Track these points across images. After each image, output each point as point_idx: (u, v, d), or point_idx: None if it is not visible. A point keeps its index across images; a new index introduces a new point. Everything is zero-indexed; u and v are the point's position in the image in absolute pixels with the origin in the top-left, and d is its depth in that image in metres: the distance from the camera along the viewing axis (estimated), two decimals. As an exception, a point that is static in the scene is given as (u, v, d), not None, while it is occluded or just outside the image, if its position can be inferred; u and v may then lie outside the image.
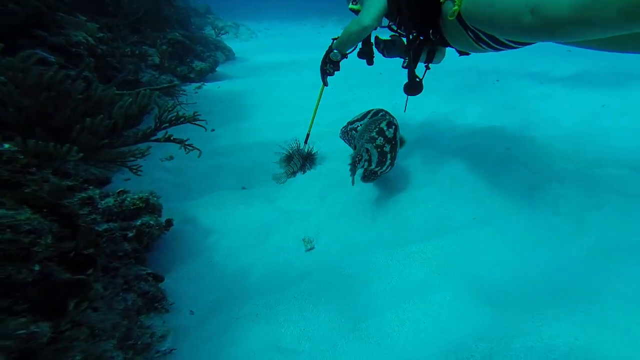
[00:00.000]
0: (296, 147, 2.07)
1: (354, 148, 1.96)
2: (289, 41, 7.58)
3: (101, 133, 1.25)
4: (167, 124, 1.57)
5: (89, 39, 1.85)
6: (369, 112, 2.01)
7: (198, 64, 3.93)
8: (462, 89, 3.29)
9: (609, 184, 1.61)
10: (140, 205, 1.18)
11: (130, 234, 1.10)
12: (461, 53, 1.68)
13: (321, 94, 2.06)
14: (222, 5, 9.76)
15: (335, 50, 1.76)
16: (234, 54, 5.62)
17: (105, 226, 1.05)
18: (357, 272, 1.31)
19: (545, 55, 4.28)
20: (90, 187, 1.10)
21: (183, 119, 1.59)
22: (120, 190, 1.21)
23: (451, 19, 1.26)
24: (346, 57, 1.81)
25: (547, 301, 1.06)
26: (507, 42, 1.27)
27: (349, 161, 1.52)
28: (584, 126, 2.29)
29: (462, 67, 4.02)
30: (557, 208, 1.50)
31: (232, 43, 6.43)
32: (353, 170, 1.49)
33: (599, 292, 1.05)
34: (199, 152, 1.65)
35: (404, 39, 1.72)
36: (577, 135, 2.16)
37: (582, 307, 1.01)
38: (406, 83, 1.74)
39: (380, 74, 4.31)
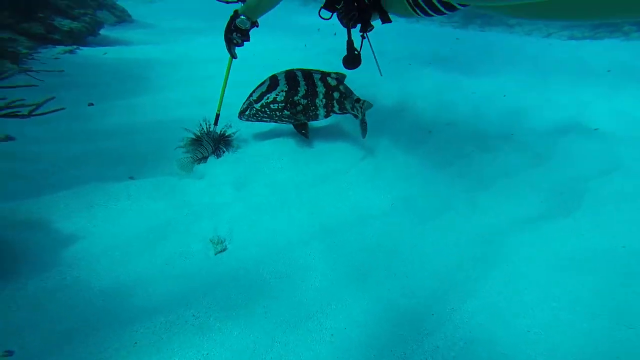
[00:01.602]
0: (205, 129, 1.70)
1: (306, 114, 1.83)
2: (207, 4, 6.66)
3: None
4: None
5: None
6: (274, 79, 1.80)
7: (66, 23, 2.99)
8: (385, 71, 3.39)
9: (496, 165, 1.83)
10: None
11: None
12: (384, 21, 1.60)
13: (229, 68, 1.80)
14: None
15: (242, 17, 1.51)
16: (130, 16, 4.60)
17: None
18: (278, 274, 1.14)
19: (443, 43, 4.79)
20: None
21: None
22: None
23: None
24: (256, 25, 1.58)
25: (447, 292, 1.10)
26: (440, 8, 1.26)
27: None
28: (475, 109, 2.59)
29: (384, 49, 4.18)
30: (457, 189, 1.61)
31: (130, 4, 5.24)
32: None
33: (485, 276, 1.14)
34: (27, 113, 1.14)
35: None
36: (474, 118, 2.43)
37: (474, 295, 1.07)
38: (345, 56, 1.58)
39: (335, 34, 4.27)
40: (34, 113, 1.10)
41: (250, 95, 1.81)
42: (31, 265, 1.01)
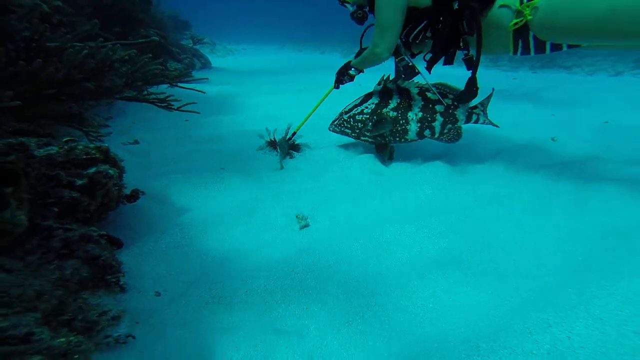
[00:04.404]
0: (282, 135, 1.92)
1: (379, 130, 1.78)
2: (268, 58, 7.75)
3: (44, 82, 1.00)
4: (141, 82, 1.34)
5: (42, 4, 1.60)
6: (370, 94, 1.84)
7: (173, 64, 3.76)
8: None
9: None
10: (96, 155, 0.93)
11: (79, 182, 0.84)
12: (446, 62, 1.63)
13: (327, 95, 1.95)
14: (200, 27, 9.91)
15: (353, 70, 1.75)
16: (211, 64, 5.54)
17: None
18: (363, 248, 1.14)
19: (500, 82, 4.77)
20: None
21: (165, 78, 1.38)
22: (69, 139, 0.96)
23: (513, 27, 1.33)
24: (362, 72, 1.78)
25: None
26: (547, 49, 1.37)
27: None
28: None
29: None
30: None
31: (208, 56, 6.39)
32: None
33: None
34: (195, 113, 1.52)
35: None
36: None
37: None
38: (462, 92, 1.62)
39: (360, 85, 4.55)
40: (180, 108, 1.42)
41: (345, 107, 1.86)
42: (160, 226, 1.16)
